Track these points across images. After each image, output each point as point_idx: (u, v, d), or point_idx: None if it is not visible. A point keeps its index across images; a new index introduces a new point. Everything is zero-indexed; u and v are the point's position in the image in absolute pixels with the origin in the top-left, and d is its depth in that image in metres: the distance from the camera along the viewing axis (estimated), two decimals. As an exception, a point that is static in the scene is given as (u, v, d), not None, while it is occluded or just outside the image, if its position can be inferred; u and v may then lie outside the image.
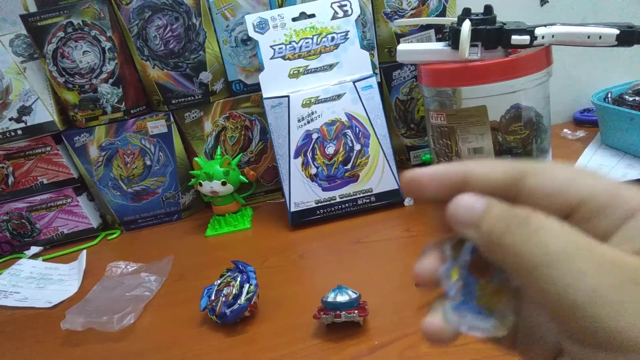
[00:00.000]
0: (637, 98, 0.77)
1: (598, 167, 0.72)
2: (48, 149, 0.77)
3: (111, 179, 0.79)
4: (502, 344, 0.22)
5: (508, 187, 0.20)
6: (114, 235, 0.82)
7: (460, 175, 0.20)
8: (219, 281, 0.54)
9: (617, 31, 0.54)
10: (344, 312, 0.45)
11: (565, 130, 0.88)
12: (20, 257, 0.79)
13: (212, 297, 0.52)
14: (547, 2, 0.88)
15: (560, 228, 0.17)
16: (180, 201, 0.83)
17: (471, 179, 0.20)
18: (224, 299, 0.51)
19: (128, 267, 0.67)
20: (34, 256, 0.80)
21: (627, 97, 0.78)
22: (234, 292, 0.51)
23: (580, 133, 0.86)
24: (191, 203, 0.84)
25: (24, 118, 0.74)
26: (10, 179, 0.78)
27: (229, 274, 0.54)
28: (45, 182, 0.79)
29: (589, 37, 0.56)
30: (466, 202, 0.20)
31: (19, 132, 0.75)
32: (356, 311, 0.46)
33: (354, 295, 0.46)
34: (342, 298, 0.46)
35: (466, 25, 0.55)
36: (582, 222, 0.18)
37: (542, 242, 0.17)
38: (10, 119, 0.74)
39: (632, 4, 0.89)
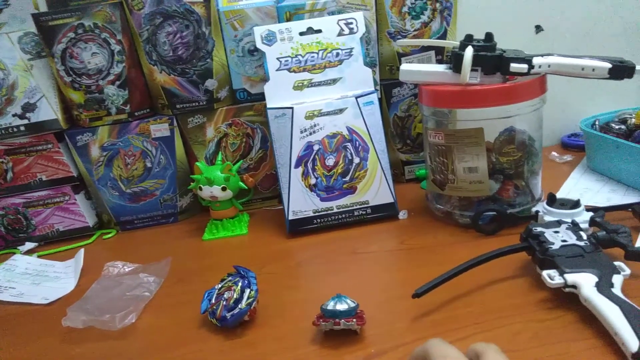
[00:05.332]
0: (622, 126, 0.81)
1: (584, 190, 0.76)
2: (49, 146, 0.77)
3: (111, 179, 0.80)
4: None
5: None
6: (110, 235, 0.83)
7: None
8: (219, 285, 0.55)
9: (609, 65, 0.58)
10: (342, 320, 0.47)
11: (553, 152, 0.92)
12: (14, 253, 0.79)
13: (213, 301, 0.53)
14: (542, 30, 0.92)
15: None
16: (178, 204, 0.84)
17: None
18: (224, 302, 0.52)
19: (125, 267, 0.68)
20: (28, 252, 0.80)
21: (613, 125, 0.81)
22: (234, 296, 0.52)
23: (568, 157, 0.89)
24: (188, 206, 0.85)
25: (27, 115, 0.75)
26: (9, 174, 0.78)
27: (230, 278, 0.55)
28: (44, 178, 0.79)
29: (583, 69, 0.59)
30: None
31: (22, 128, 0.75)
32: (354, 320, 0.47)
33: (352, 304, 0.48)
34: (341, 306, 0.48)
35: (469, 52, 0.58)
36: None
37: None
38: (14, 115, 0.74)
39: (622, 35, 0.94)
